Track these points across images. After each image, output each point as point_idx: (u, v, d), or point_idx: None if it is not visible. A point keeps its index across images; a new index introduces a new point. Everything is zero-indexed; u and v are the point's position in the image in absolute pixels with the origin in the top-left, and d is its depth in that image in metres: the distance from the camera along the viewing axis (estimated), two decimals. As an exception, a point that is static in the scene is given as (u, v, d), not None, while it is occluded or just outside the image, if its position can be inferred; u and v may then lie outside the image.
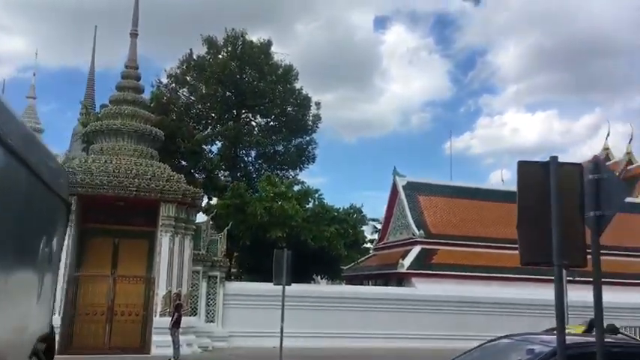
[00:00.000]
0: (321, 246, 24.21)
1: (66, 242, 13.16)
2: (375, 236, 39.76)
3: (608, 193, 4.76)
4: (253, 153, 33.01)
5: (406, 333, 21.09)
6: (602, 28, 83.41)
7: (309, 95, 33.11)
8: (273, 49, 32.25)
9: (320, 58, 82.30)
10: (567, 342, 4.78)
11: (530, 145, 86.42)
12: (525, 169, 4.46)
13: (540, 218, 4.31)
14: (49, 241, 4.39)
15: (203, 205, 23.34)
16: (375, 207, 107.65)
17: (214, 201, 28.42)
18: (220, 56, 31.59)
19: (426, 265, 27.76)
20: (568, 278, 14.19)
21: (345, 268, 31.27)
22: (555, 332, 4.34)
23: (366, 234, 39.04)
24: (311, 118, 33.13)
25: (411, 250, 29.14)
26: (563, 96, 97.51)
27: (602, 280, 4.78)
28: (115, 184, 18.13)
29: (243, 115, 32.98)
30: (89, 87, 48.81)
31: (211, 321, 20.49)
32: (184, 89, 32.46)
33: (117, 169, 18.66)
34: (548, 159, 4.49)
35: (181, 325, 16.82)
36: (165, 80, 32.24)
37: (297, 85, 32.86)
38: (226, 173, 32.16)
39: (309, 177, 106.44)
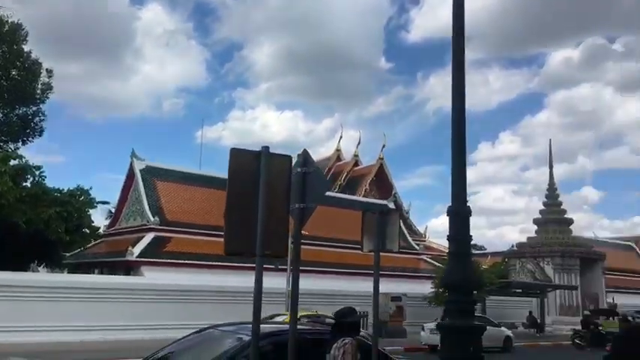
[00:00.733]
0: (38, 229, 21.55)
1: None
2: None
3: (312, 187, 4.96)
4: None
5: (126, 324, 19.89)
6: (345, 42, 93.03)
7: (40, 61, 29.79)
8: (-3, 0, 27.99)
9: (64, 23, 74.50)
10: (267, 330, 4.89)
11: (278, 142, 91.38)
12: (238, 157, 4.32)
13: (247, 207, 4.23)
14: None
15: None
16: (116, 191, 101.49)
17: None
18: None
19: (159, 254, 26.99)
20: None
21: (68, 255, 28.41)
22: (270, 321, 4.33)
23: (99, 218, 36.72)
24: (40, 86, 29.81)
25: (143, 237, 28.04)
26: (309, 98, 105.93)
27: (301, 268, 4.99)
28: None
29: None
30: None
31: None
32: None
33: None
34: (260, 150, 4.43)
35: None
36: None
37: (26, 48, 29.45)
38: None
39: (41, 153, 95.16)
